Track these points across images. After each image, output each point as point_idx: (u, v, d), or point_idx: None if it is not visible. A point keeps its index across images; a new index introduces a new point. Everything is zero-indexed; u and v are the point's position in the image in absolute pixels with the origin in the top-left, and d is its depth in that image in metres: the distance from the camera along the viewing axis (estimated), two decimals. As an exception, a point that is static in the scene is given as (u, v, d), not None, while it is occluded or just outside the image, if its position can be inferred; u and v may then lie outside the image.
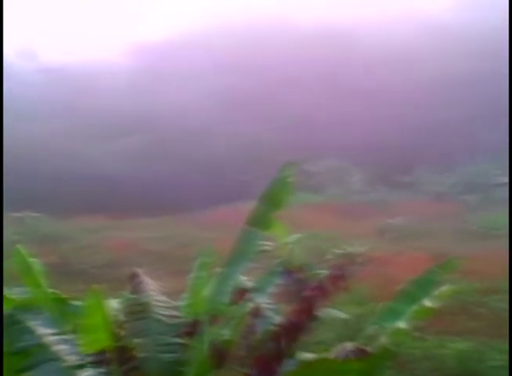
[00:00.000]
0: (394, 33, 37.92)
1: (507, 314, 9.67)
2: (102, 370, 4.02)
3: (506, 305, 10.01)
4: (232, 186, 28.14)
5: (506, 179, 27.46)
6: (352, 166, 31.26)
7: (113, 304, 4.62)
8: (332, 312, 5.40)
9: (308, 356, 4.22)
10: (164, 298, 4.63)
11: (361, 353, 3.84)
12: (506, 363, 7.44)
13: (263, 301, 4.66)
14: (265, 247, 4.82)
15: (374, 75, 36.27)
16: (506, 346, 8.14)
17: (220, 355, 4.06)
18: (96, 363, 4.01)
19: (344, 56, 37.06)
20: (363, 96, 35.39)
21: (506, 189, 26.72)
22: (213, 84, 37.44)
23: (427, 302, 4.32)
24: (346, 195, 27.57)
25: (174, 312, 4.51)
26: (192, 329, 4.25)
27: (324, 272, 4.82)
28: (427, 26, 38.43)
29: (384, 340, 4.13)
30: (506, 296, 10.49)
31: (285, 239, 10.00)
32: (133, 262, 12.75)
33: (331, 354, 3.92)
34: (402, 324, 4.24)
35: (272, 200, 4.61)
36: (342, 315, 6.03)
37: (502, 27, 34.01)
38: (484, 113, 33.56)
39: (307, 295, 4.32)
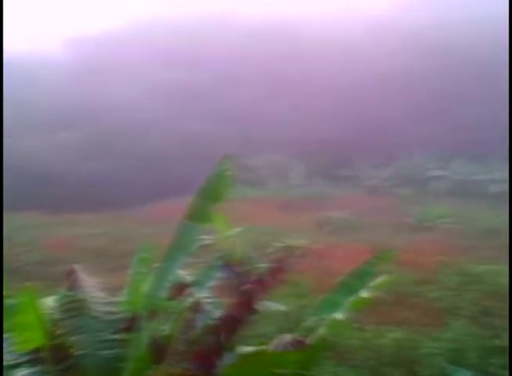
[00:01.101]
0: (340, 31, 38.51)
1: (440, 303, 10.03)
2: (37, 369, 3.93)
3: (439, 295, 10.39)
4: (174, 181, 27.93)
5: (439, 173, 28.41)
6: (292, 160, 31.57)
7: (49, 302, 4.52)
8: (272, 305, 5.43)
9: (248, 349, 4.24)
10: (101, 294, 4.56)
11: (299, 345, 3.89)
12: (439, 350, 7.71)
13: (203, 295, 4.65)
14: (205, 241, 4.82)
15: (317, 72, 36.72)
16: (439, 334, 8.44)
17: (159, 350, 4.03)
18: (31, 362, 3.92)
19: (289, 52, 37.37)
20: (306, 92, 35.75)
21: (439, 182, 27.65)
22: (156, 78, 36.99)
23: (364, 293, 4.41)
24: (286, 189, 27.83)
25: (113, 309, 4.44)
26: (130, 325, 4.20)
27: (264, 265, 4.85)
28: (372, 24, 39.22)
29: (322, 331, 4.19)
30: (439, 286, 10.88)
31: (226, 233, 10.02)
32: (71, 258, 12.49)
33: (270, 346, 3.95)
34: (339, 315, 4.31)
35: (210, 193, 4.60)
36: (282, 307, 6.08)
37: (446, 25, 35.05)
38: (423, 109, 34.48)
39: (246, 289, 4.34)
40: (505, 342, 7.84)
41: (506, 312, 9.19)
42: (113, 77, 37.27)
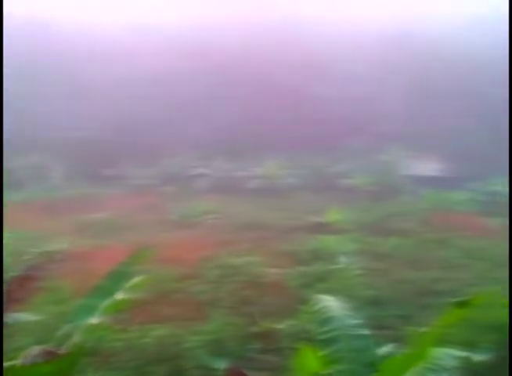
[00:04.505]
0: (105, 31, 37.85)
1: (202, 297, 10.38)
2: None
3: (201, 289, 10.75)
4: None
5: (202, 171, 29.45)
6: (54, 161, 30.08)
7: None
8: (23, 316, 5.06)
9: (-3, 366, 3.91)
10: None
11: (51, 355, 3.70)
12: (201, 343, 7.97)
13: None
14: None
15: (79, 71, 35.66)
16: (201, 327, 8.73)
17: None
18: None
19: (51, 51, 35.71)
20: (67, 92, 34.49)
21: (201, 179, 28.68)
22: None
23: (121, 295, 4.37)
24: (47, 191, 26.42)
25: None
26: None
27: (18, 274, 4.54)
28: (137, 24, 39.23)
29: (78, 338, 4.05)
30: (201, 280, 11.26)
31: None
32: None
33: (18, 361, 3.69)
34: (96, 319, 4.21)
35: None
36: (35, 317, 5.68)
37: (209, 27, 36.20)
38: (186, 109, 35.28)
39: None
40: (260, 329, 8.41)
41: (261, 300, 9.87)
42: None
